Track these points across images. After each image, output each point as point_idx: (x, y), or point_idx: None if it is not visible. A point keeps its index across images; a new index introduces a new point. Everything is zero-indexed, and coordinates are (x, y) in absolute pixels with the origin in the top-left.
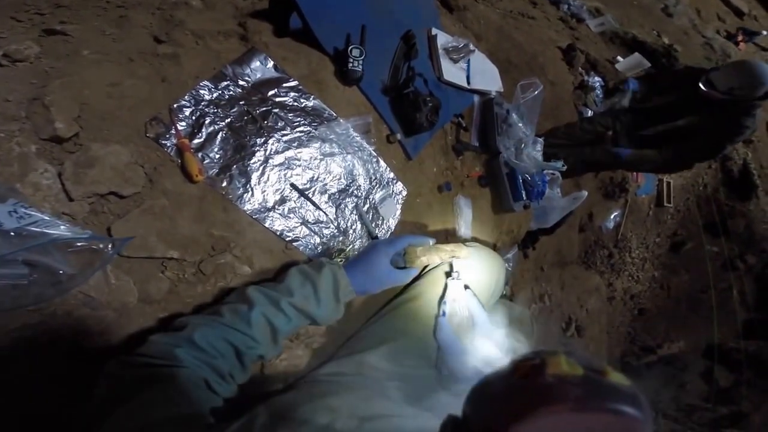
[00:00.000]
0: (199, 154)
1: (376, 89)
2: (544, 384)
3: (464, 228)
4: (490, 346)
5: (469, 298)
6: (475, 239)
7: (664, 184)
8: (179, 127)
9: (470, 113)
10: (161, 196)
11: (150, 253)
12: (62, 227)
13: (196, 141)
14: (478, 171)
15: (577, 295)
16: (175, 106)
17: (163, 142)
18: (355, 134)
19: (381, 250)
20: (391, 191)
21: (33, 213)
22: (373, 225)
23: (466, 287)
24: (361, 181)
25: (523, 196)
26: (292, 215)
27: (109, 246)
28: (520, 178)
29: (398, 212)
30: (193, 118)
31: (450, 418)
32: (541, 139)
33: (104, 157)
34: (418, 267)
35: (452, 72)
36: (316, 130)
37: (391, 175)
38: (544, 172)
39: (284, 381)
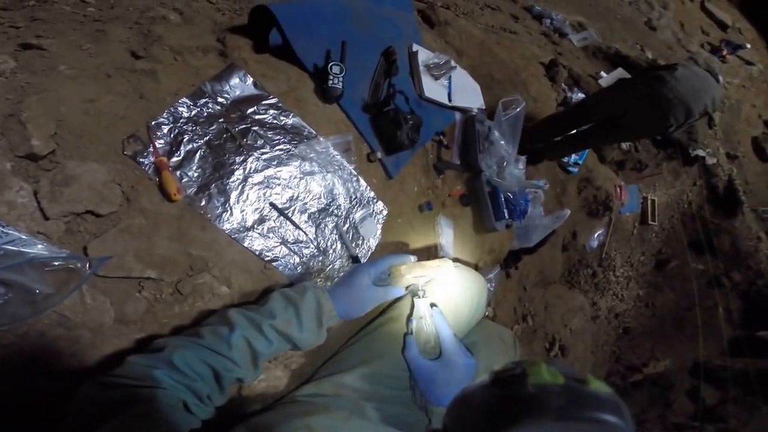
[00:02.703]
0: (178, 173)
1: (357, 107)
2: (525, 394)
3: (446, 248)
4: (456, 362)
5: (436, 316)
6: (457, 260)
7: (649, 202)
8: (157, 145)
9: (452, 131)
10: (139, 215)
11: (127, 272)
12: (39, 246)
13: (174, 159)
14: (459, 190)
15: (560, 314)
16: (153, 123)
17: (141, 160)
18: (335, 153)
19: (363, 273)
20: (371, 211)
21: (10, 231)
22: (354, 245)
23: (433, 305)
24: (341, 200)
25: (506, 215)
26: (271, 235)
27: (87, 265)
28: (502, 196)
29: (379, 232)
30: (172, 135)
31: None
32: (523, 158)
33: (81, 175)
34: (403, 286)
35: (433, 89)
36: (295, 148)
37: (372, 194)
38: (527, 190)
39: (263, 402)
